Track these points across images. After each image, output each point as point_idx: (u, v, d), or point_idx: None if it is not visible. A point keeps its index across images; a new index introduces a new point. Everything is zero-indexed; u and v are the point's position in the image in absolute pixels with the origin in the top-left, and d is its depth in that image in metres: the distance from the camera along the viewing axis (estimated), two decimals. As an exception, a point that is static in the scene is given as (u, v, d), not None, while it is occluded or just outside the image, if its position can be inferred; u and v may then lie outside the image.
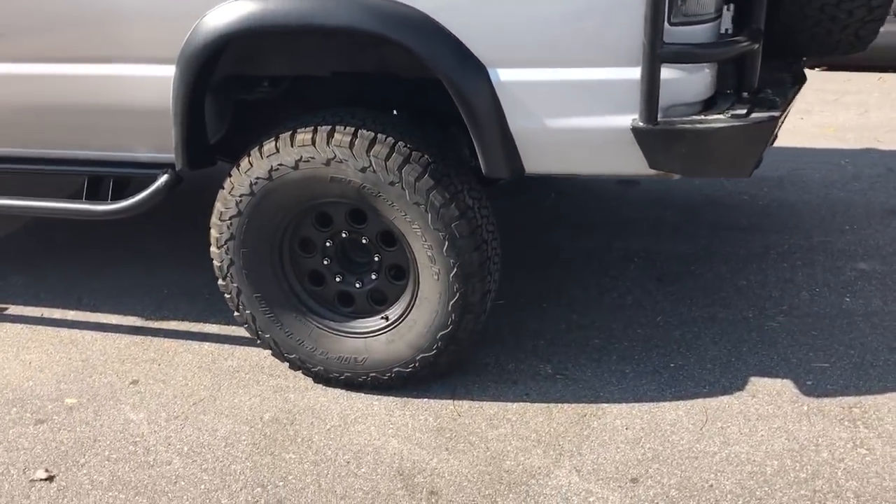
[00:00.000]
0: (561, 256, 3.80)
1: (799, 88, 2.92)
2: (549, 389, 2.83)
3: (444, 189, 2.60)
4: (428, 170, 2.59)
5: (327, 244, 2.84)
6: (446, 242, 2.62)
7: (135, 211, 2.97)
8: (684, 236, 3.93)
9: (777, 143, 3.28)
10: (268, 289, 2.86)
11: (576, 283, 3.49)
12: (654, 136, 2.37)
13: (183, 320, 3.37)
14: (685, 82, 2.40)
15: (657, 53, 2.26)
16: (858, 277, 3.39)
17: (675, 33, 2.33)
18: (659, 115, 2.38)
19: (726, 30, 2.53)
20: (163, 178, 2.90)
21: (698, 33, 2.37)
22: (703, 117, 2.40)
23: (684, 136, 2.36)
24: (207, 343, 3.21)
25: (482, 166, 2.55)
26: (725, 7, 2.47)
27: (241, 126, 3.02)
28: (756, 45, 2.45)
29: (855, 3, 2.72)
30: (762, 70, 2.60)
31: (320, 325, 2.88)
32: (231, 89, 2.90)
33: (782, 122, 2.62)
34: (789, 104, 2.69)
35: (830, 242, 3.75)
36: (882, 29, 2.96)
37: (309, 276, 2.91)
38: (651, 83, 2.30)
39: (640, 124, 2.36)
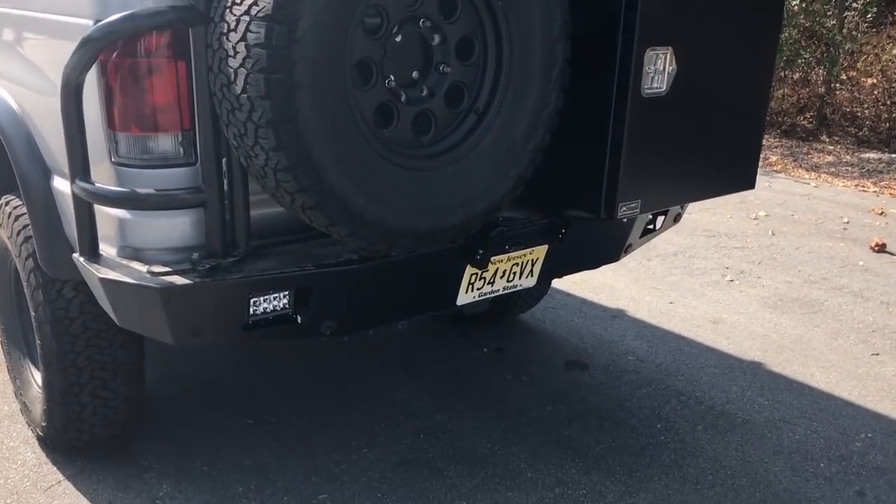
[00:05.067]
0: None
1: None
2: None
3: (42, 273, 2.82)
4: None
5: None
6: (34, 322, 2.83)
7: None
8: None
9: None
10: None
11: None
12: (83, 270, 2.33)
13: None
14: (147, 226, 2.31)
15: (72, 188, 2.24)
16: None
17: (122, 174, 2.27)
18: (121, 253, 2.34)
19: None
20: None
21: (149, 177, 2.25)
22: (130, 266, 2.27)
23: (89, 280, 2.28)
24: None
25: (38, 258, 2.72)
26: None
27: None
28: (204, 203, 2.22)
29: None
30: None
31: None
32: None
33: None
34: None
35: None
36: None
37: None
38: (79, 216, 2.28)
39: (77, 255, 2.34)
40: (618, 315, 4.54)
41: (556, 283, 4.74)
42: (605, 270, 5.13)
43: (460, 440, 3.33)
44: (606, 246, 3.05)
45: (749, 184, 2.88)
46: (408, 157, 2.21)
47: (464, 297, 2.72)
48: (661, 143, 2.53)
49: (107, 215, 2.33)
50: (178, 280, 2.19)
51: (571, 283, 4.90)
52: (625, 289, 4.89)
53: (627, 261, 5.34)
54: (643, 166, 2.49)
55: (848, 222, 6.31)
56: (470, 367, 3.93)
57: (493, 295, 2.81)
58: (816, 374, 3.90)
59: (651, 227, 3.24)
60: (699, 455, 3.25)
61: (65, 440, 3.06)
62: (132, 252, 2.33)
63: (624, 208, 2.49)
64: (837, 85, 10.05)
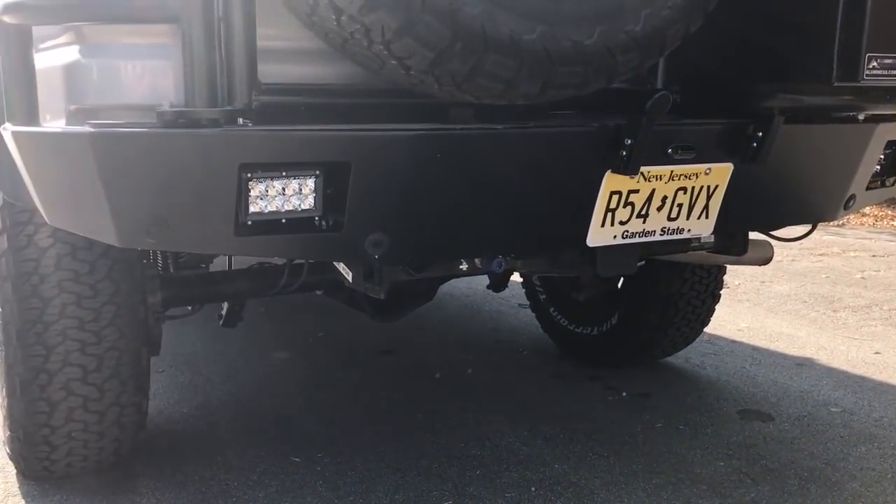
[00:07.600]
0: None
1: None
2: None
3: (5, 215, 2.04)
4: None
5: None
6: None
7: None
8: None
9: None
10: None
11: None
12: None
13: None
14: (99, 71, 1.50)
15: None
16: None
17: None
18: (71, 122, 1.52)
19: None
20: None
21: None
22: None
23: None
24: None
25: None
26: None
27: None
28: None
29: None
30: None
31: None
32: None
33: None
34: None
35: None
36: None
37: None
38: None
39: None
40: (805, 363, 3.37)
41: (716, 329, 3.65)
42: (780, 317, 4.02)
43: (591, 498, 2.25)
44: (821, 185, 2.00)
45: None
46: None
47: (599, 234, 1.73)
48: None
49: (48, 61, 1.55)
50: (123, 128, 1.34)
51: (736, 331, 3.78)
52: (808, 337, 3.72)
53: (807, 310, 4.18)
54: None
55: None
56: (603, 412, 2.86)
57: (644, 240, 1.81)
58: None
59: (881, 179, 2.19)
60: (980, 537, 2.06)
61: (33, 462, 2.20)
62: (83, 116, 1.52)
63: (874, 65, 1.49)
64: None
